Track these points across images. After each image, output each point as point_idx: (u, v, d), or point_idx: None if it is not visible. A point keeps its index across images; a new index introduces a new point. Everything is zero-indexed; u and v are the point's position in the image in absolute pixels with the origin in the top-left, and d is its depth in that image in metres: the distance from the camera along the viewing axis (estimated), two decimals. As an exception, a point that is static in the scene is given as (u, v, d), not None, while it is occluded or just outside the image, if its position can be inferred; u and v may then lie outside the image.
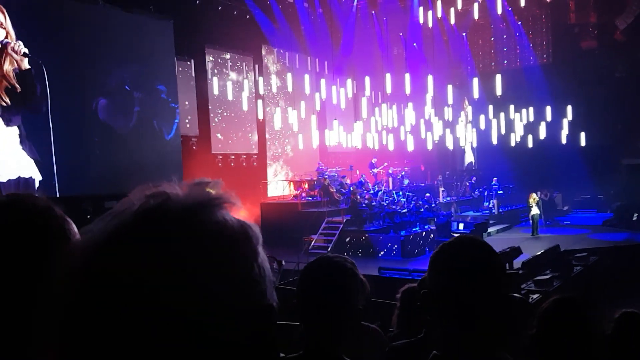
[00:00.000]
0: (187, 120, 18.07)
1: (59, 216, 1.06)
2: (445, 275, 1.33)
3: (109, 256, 0.55)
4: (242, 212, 0.67)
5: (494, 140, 22.97)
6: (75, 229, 1.07)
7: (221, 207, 0.62)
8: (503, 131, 22.79)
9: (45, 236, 0.99)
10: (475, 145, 25.73)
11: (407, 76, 18.50)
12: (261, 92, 19.89)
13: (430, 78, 18.91)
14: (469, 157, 27.08)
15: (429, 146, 22.83)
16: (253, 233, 0.64)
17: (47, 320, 0.57)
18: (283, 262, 0.76)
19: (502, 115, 22.73)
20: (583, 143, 23.27)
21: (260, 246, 0.65)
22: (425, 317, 2.29)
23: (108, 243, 0.56)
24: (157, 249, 0.55)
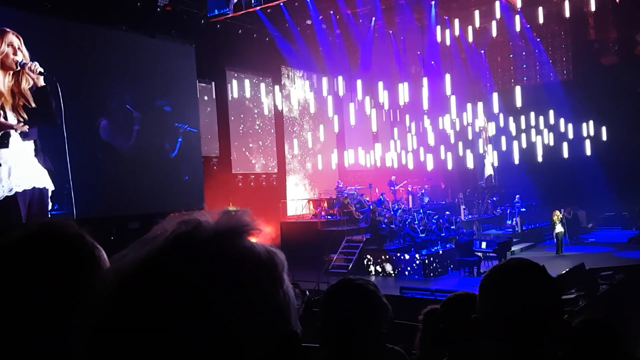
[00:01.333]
0: (208, 141, 18.28)
1: (90, 243, 1.09)
2: (499, 299, 1.30)
3: (141, 281, 0.58)
4: (264, 231, 0.69)
5: (516, 159, 22.79)
6: (105, 256, 1.09)
7: (249, 233, 0.65)
8: (524, 145, 22.62)
9: (77, 264, 1.02)
10: (496, 164, 25.54)
11: (425, 92, 18.49)
12: (281, 111, 20.05)
13: (453, 98, 18.89)
14: (489, 170, 26.85)
15: (449, 166, 22.73)
16: (279, 260, 0.66)
17: (81, 345, 0.59)
18: (307, 292, 0.78)
19: (522, 134, 22.60)
20: (606, 160, 22.93)
21: (286, 273, 0.67)
22: (449, 340, 2.27)
23: (140, 268, 0.59)
24: (188, 274, 0.57)
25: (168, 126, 15.68)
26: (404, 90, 18.74)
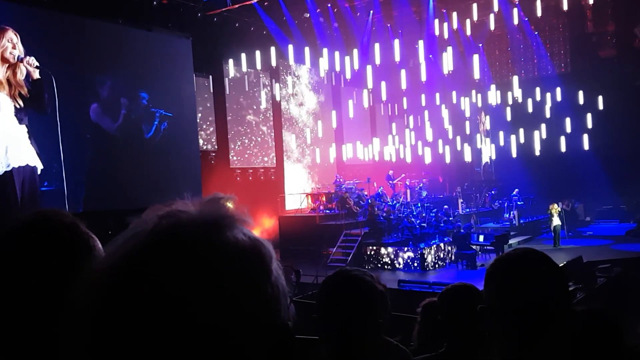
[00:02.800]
0: (205, 136, 18.26)
1: (84, 232, 1.09)
2: (506, 288, 1.29)
3: (121, 282, 0.56)
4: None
5: (514, 152, 22.84)
6: (100, 245, 1.09)
7: (233, 225, 0.62)
8: (522, 140, 22.66)
9: (71, 252, 1.02)
10: (494, 157, 25.59)
11: (424, 72, 18.41)
12: (278, 106, 20.03)
13: (454, 94, 18.86)
14: (485, 158, 26.91)
15: (447, 159, 22.76)
16: (266, 251, 0.64)
17: (70, 336, 0.58)
18: (300, 272, 0.76)
19: (520, 129, 22.64)
20: (604, 153, 22.96)
21: (275, 263, 0.64)
22: (446, 332, 2.27)
23: (121, 268, 0.57)
24: (168, 273, 0.56)
25: (168, 119, 15.67)
26: (403, 78, 18.67)
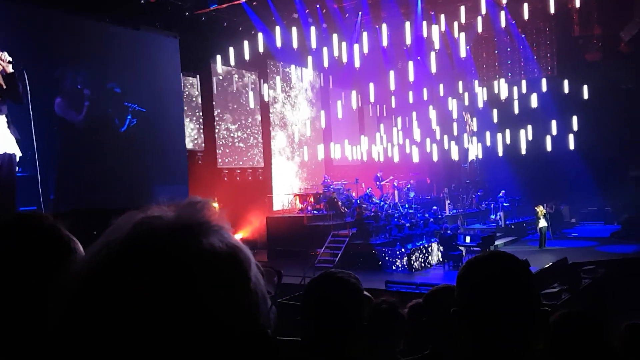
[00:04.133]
0: (193, 135, 18.17)
1: (65, 235, 1.07)
2: (474, 292, 1.30)
3: (93, 292, 0.55)
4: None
5: (500, 152, 23.04)
6: (81, 248, 1.08)
7: (209, 232, 0.61)
8: (508, 141, 22.85)
9: (51, 255, 1.00)
10: (480, 156, 25.81)
11: (412, 73, 18.42)
12: (267, 106, 19.99)
13: (441, 87, 18.89)
14: (472, 156, 27.12)
15: (435, 157, 22.88)
16: (244, 257, 0.62)
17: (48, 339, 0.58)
18: (282, 272, 0.75)
19: (507, 130, 22.85)
20: (589, 155, 23.19)
21: (253, 269, 0.63)
22: (432, 333, 2.27)
23: (93, 279, 0.56)
24: (140, 282, 0.54)
25: (155, 118, 15.57)
26: (392, 78, 18.68)
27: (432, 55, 17.75)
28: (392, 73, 18.74)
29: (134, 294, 0.54)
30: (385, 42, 18.39)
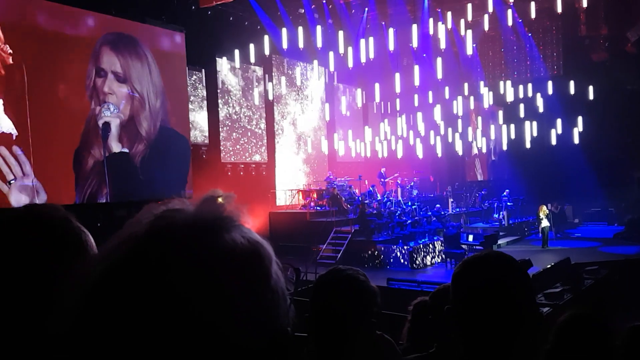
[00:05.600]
0: (197, 129, 18.17)
1: (76, 227, 1.07)
2: (468, 291, 1.30)
3: (113, 286, 0.54)
4: (251, 222, 0.65)
5: (504, 145, 23.02)
6: (92, 241, 1.07)
7: (231, 227, 0.60)
8: (513, 136, 22.79)
9: (63, 248, 1.00)
10: (484, 150, 25.80)
11: (417, 77, 18.40)
12: (271, 101, 19.99)
13: (446, 90, 18.84)
14: (475, 150, 27.06)
15: (439, 153, 22.81)
16: (265, 253, 0.61)
17: (57, 334, 0.56)
18: (300, 270, 0.74)
19: (512, 126, 22.80)
20: (593, 156, 23.13)
21: (274, 266, 0.62)
22: (437, 331, 2.27)
23: (114, 272, 0.55)
24: (161, 278, 0.53)
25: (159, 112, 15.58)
26: (397, 82, 18.61)
27: (439, 60, 17.68)
28: (397, 75, 18.64)
29: (153, 291, 0.53)
30: (392, 47, 18.27)
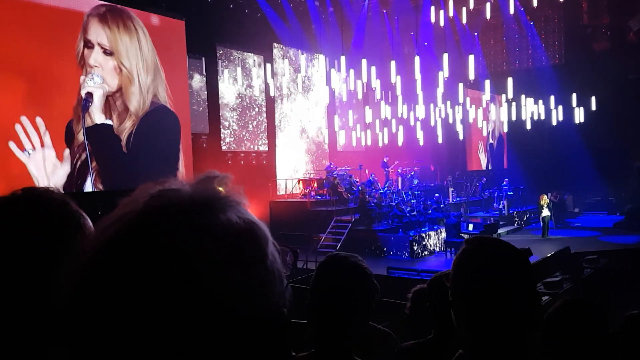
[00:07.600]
0: (197, 118, 18.13)
1: (75, 211, 1.07)
2: (468, 278, 1.29)
3: (108, 263, 0.54)
4: (251, 210, 0.64)
5: (505, 128, 22.97)
6: (91, 224, 1.07)
7: (226, 207, 0.59)
8: (514, 118, 22.68)
9: (61, 231, 1.00)
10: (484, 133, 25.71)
11: (418, 71, 18.27)
12: (272, 90, 19.95)
13: (441, 75, 18.68)
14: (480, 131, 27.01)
15: (440, 139, 22.70)
16: (261, 234, 0.61)
17: (55, 314, 0.57)
18: (298, 252, 0.73)
19: (513, 111, 22.71)
20: (594, 145, 23.09)
21: (271, 247, 0.62)
22: (435, 318, 2.28)
23: (109, 249, 0.55)
24: (156, 256, 0.53)
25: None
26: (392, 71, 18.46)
27: (445, 56, 17.59)
28: (393, 63, 18.51)
29: (147, 269, 0.53)
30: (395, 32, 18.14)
